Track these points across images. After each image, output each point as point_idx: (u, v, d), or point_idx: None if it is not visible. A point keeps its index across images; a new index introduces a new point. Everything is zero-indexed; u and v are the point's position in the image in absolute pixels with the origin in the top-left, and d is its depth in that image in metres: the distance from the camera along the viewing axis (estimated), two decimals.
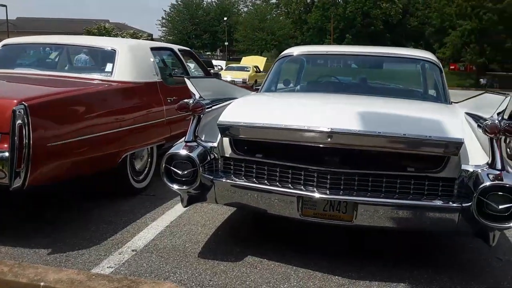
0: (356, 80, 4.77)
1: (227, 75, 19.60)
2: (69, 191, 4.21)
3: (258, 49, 62.29)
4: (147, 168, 4.49)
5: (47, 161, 3.02)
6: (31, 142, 2.82)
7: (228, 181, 2.90)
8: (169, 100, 4.68)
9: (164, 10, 74.33)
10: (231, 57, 56.93)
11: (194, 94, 2.96)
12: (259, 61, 25.80)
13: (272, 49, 61.89)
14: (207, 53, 69.88)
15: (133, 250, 3.06)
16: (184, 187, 2.79)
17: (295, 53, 4.52)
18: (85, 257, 2.93)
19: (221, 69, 22.95)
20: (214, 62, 25.53)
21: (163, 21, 66.55)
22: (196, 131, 2.93)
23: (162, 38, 68.46)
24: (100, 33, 59.07)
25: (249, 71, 21.35)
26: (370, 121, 2.70)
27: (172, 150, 2.83)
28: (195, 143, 2.88)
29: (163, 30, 67.62)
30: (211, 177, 2.87)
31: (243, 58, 27.52)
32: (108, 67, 4.27)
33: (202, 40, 63.88)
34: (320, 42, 63.96)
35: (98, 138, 3.53)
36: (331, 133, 2.55)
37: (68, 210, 3.85)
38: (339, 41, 61.60)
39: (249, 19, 60.84)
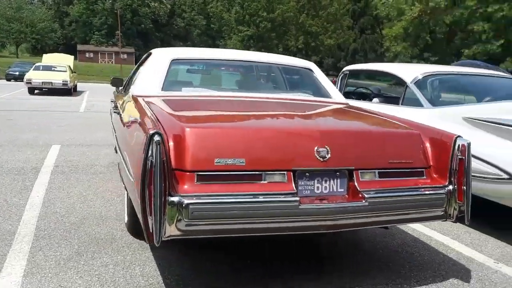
0: None
1: (35, 77, 16.26)
2: None
3: (14, 42, 53.32)
4: None
5: None
6: None
7: None
8: None
9: None
10: None
11: None
12: (68, 59, 21.50)
13: (34, 42, 53.97)
14: None
15: None
16: None
17: None
18: None
19: None
20: None
21: None
22: None
23: None
24: None
25: (66, 71, 17.87)
26: None
27: None
28: None
29: None
30: None
31: (45, 56, 22.43)
32: (319, 87, 3.29)
33: None
34: (87, 37, 59.55)
35: None
36: None
37: None
38: (109, 38, 58.74)
39: (1, 8, 51.18)
